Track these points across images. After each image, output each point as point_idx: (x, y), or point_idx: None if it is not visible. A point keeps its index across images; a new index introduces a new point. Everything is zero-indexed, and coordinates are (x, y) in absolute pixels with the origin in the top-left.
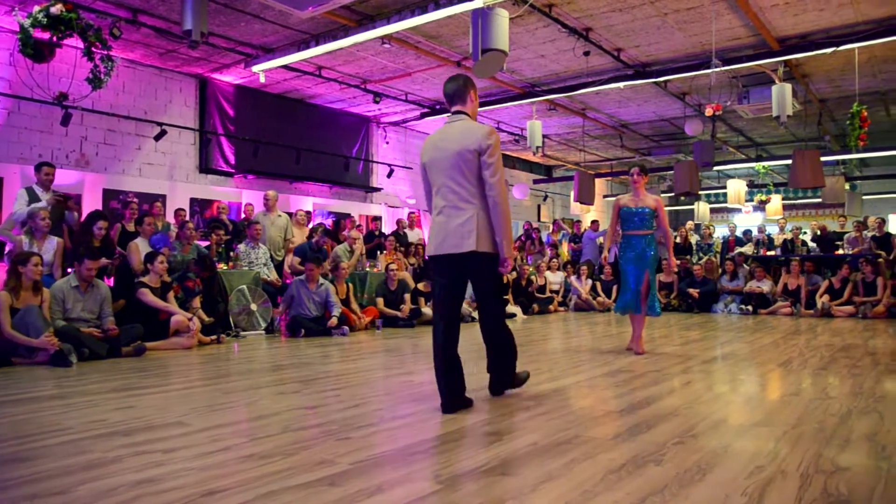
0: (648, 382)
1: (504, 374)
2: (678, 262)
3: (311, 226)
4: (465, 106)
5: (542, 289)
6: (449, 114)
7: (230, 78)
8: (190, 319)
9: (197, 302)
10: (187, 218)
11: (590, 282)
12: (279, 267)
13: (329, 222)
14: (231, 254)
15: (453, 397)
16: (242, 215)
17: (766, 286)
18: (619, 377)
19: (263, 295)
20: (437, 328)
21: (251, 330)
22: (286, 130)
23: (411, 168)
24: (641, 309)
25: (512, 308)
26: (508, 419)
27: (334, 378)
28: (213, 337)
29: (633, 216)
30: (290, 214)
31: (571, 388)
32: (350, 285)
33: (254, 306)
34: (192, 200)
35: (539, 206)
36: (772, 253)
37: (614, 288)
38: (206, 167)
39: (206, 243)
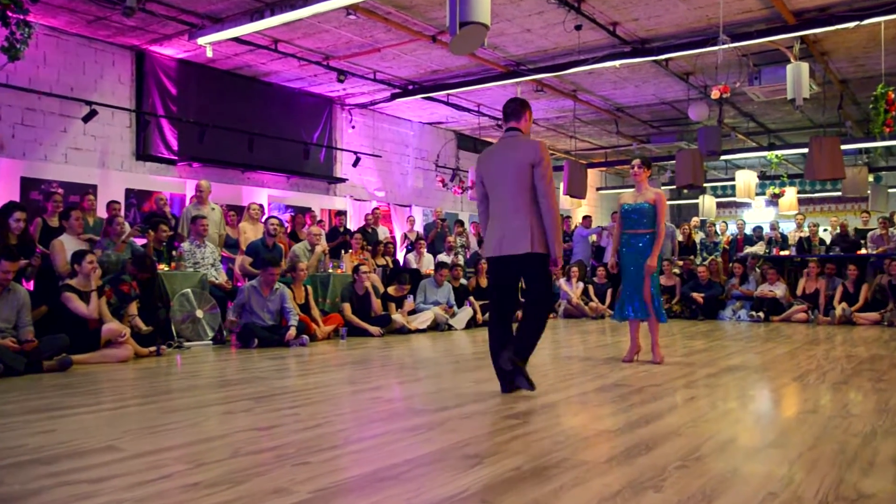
0: (647, 398)
1: (520, 345)
2: (681, 262)
3: (264, 219)
4: (519, 123)
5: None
6: (507, 129)
7: (172, 51)
8: (122, 337)
9: (133, 308)
10: (121, 212)
11: (581, 285)
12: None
13: (287, 217)
14: (174, 253)
15: (505, 380)
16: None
17: (779, 290)
18: (615, 392)
19: (211, 300)
20: (491, 319)
21: (196, 340)
22: (237, 112)
23: (380, 156)
24: (650, 313)
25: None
26: (489, 440)
27: (292, 394)
28: (153, 348)
29: (632, 213)
30: (241, 208)
31: (560, 404)
32: (309, 289)
33: (199, 313)
34: (128, 192)
35: None
36: (786, 253)
37: (608, 291)
38: (143, 153)
39: (143, 241)
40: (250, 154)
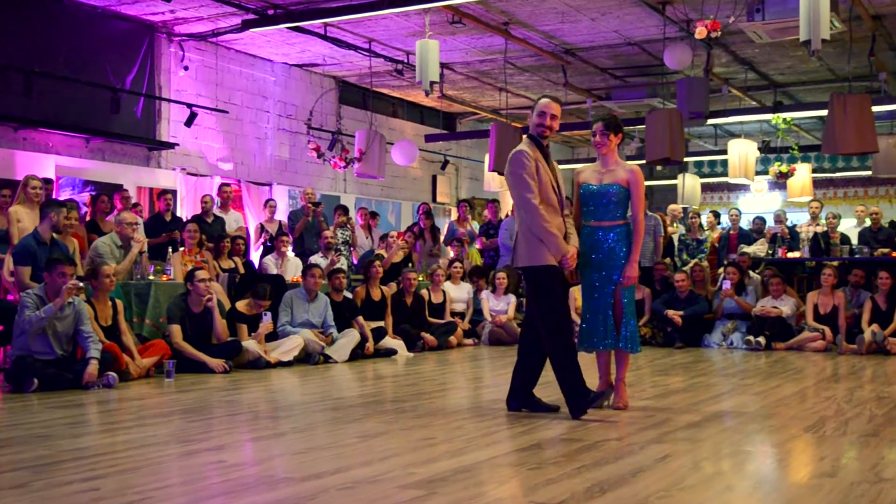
0: (604, 457)
1: (564, 386)
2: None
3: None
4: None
5: (438, 309)
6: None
7: None
8: None
9: None
10: None
11: (513, 298)
12: None
13: (85, 199)
14: None
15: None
16: None
17: (786, 306)
18: (558, 450)
19: None
20: (527, 327)
21: None
22: (7, 40)
23: (226, 112)
24: (616, 340)
25: (391, 342)
26: None
27: (90, 460)
28: None
29: (596, 197)
30: (14, 183)
31: (483, 467)
32: (119, 304)
33: None
34: None
35: (435, 178)
36: (796, 254)
37: None
38: None
39: None
40: (27, 103)
